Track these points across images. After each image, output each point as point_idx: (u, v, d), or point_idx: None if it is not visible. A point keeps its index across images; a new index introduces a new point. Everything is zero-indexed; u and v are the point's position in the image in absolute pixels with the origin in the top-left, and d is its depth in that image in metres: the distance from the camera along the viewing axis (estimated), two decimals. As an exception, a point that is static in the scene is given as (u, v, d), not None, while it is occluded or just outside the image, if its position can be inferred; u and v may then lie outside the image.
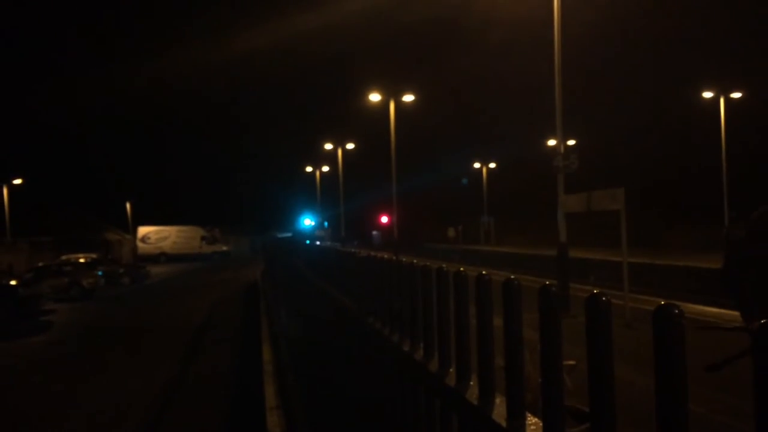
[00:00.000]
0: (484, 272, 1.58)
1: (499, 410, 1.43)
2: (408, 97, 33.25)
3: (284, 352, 8.98)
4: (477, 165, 58.39)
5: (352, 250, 4.39)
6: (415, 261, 2.32)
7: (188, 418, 9.16)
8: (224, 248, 62.88)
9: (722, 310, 16.28)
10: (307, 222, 51.24)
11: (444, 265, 1.96)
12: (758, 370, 0.74)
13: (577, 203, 15.98)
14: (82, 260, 32.08)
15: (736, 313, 14.33)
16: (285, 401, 7.20)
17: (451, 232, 59.86)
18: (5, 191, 46.87)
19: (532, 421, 1.34)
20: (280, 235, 21.97)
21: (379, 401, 2.63)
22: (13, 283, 21.73)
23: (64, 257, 34.19)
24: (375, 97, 33.13)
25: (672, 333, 0.89)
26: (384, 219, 48.78)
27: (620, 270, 15.38)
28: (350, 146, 49.41)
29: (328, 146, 49.83)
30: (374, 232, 72.19)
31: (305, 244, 9.52)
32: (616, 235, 15.04)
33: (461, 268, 1.76)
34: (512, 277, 1.39)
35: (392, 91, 33.27)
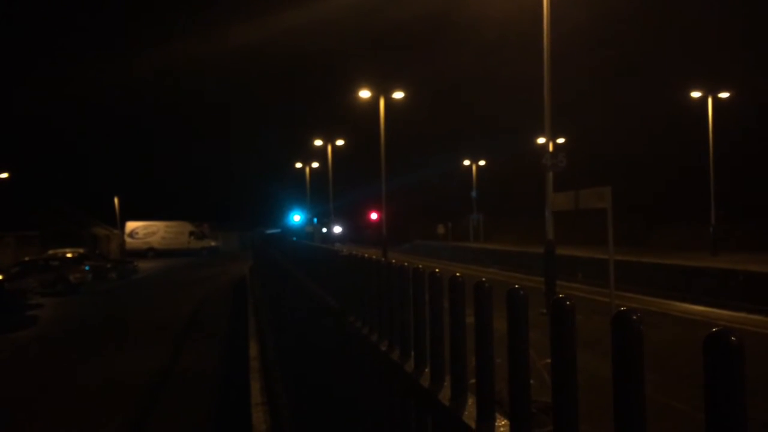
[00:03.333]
0: (457, 274, 1.59)
1: (470, 411, 1.44)
2: (398, 94, 33.24)
3: (270, 349, 8.98)
4: (467, 162, 58.50)
5: (336, 247, 4.40)
6: (395, 259, 2.33)
7: (173, 413, 9.14)
8: (213, 244, 62.69)
9: (708, 308, 16.44)
10: (296, 218, 51.09)
11: (420, 265, 1.97)
12: (709, 379, 0.76)
13: (565, 201, 16.04)
14: (69, 255, 31.90)
15: (721, 311, 14.45)
16: (271, 397, 7.20)
17: (440, 229, 59.96)
18: (-8, 185, 46.50)
19: (502, 423, 1.36)
20: (268, 232, 21.89)
21: (358, 399, 2.64)
22: (-2, 277, 21.54)
23: (51, 252, 34.01)
24: (365, 93, 33.09)
25: (630, 338, 0.90)
26: (374, 216, 48.77)
27: (607, 268, 15.49)
28: (340, 143, 49.37)
29: (318, 142, 49.76)
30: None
31: (293, 241, 9.50)
32: (603, 233, 15.13)
33: (437, 270, 1.77)
34: (483, 279, 1.40)
35: (382, 88, 33.25)
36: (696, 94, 31.21)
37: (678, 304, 17.38)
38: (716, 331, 0.76)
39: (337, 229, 71.42)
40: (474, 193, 56.22)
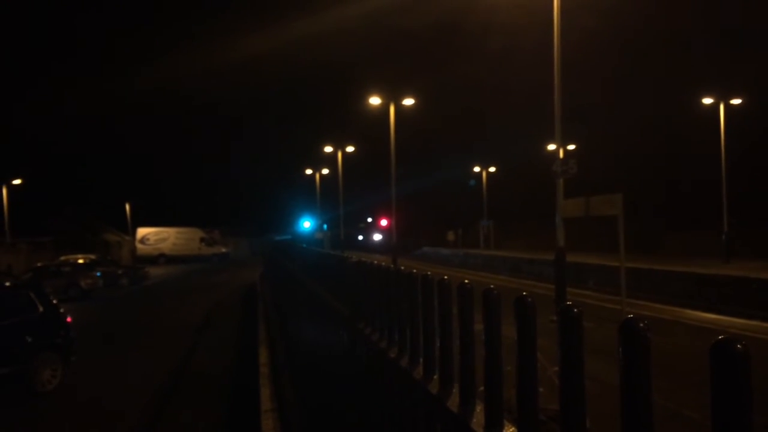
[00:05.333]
0: (466, 281, 1.59)
1: (479, 418, 1.44)
2: (408, 101, 33.27)
3: (280, 355, 9.00)
4: (477, 169, 58.42)
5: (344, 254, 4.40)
6: (405, 266, 2.33)
7: (184, 418, 9.15)
8: (223, 250, 62.92)
9: (720, 316, 16.30)
10: (306, 225, 51.21)
11: (429, 272, 1.97)
12: (715, 385, 0.76)
13: (576, 208, 16.00)
14: (81, 261, 32.12)
15: (734, 319, 14.30)
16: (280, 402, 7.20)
17: (450, 236, 59.83)
18: (5, 191, 46.93)
19: (510, 430, 1.36)
20: (278, 238, 21.96)
21: (367, 405, 2.64)
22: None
23: (63, 258, 34.27)
24: (375, 100, 33.15)
25: (638, 345, 0.90)
26: (383, 222, 48.76)
27: (619, 275, 15.39)
28: (350, 149, 49.45)
29: (328, 149, 49.87)
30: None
31: (302, 247, 9.53)
32: (615, 240, 15.06)
33: (445, 276, 1.77)
34: (492, 286, 1.40)
35: (392, 95, 33.31)
36: (708, 101, 31.02)
37: (690, 311, 17.24)
38: (723, 339, 0.76)
39: (377, 237, 65.25)
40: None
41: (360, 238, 56.59)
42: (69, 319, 11.45)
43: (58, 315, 11.17)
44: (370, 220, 53.79)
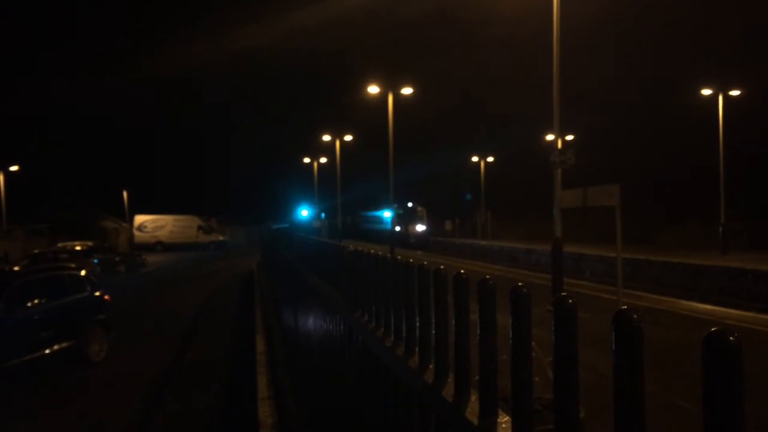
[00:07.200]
0: (462, 271, 1.59)
1: (473, 408, 1.44)
2: (407, 90, 33.16)
3: (277, 344, 9.02)
4: (475, 158, 58.29)
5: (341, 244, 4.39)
6: (402, 256, 2.34)
7: (181, 405, 9.19)
8: (221, 238, 62.87)
9: (717, 307, 16.36)
10: (304, 213, 51.10)
11: (425, 262, 1.97)
12: (707, 377, 0.76)
13: (573, 199, 15.99)
14: (78, 248, 32.12)
15: (730, 310, 14.31)
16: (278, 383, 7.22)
17: (448, 226, 59.80)
18: (1, 178, 46.75)
19: (504, 419, 1.36)
20: (275, 227, 21.94)
21: (363, 394, 2.65)
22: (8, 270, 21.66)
23: (60, 245, 34.27)
24: (373, 89, 33.04)
25: (631, 336, 0.90)
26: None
27: (616, 266, 15.42)
28: (348, 138, 49.32)
29: (327, 138, 49.74)
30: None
31: (300, 236, 9.52)
32: (613, 231, 15.06)
33: (441, 266, 1.77)
34: (487, 276, 1.40)
35: (391, 84, 33.19)
36: (707, 92, 30.93)
37: (687, 302, 17.30)
38: (715, 331, 0.76)
39: (420, 228, 49.44)
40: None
41: (397, 229, 41.67)
42: (108, 298, 12.41)
43: (100, 294, 12.23)
44: (410, 204, 41.32)
